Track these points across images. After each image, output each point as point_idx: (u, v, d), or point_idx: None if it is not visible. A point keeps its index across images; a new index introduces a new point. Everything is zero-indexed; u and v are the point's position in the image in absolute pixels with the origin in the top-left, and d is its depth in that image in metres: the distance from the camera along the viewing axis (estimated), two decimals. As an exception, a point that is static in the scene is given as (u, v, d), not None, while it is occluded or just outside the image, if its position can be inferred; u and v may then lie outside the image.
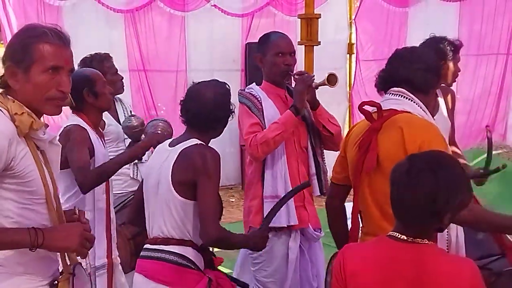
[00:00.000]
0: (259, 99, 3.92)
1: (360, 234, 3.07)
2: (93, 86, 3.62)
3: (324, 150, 4.10)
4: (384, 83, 3.08)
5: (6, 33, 7.30)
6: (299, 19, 7.16)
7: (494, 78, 10.18)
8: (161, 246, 3.12)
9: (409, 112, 2.94)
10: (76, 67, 4.45)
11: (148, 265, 3.14)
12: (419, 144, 2.75)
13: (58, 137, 2.76)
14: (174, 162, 3.10)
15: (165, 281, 3.08)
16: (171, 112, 8.30)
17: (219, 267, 3.33)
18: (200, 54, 8.86)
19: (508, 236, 3.09)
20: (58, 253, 2.43)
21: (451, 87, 4.52)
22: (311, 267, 4.02)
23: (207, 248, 3.22)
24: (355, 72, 9.83)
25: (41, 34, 2.31)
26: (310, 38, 6.88)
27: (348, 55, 9.84)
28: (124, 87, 4.98)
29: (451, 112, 4.47)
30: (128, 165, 4.69)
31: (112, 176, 4.51)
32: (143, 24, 8.44)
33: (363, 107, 2.99)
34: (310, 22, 6.88)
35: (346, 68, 9.87)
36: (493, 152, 8.71)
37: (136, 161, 4.63)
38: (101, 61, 4.70)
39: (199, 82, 3.32)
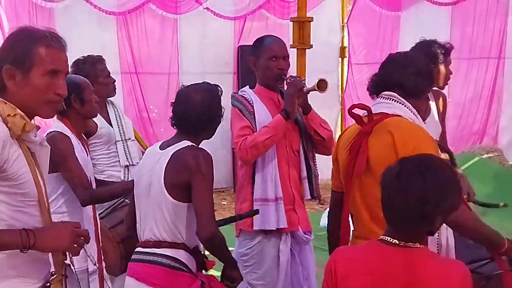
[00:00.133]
0: (251, 102, 3.93)
1: (351, 237, 3.08)
2: (81, 93, 3.63)
3: (316, 154, 4.10)
4: (377, 87, 3.09)
5: (-2, 35, 7.29)
6: (292, 22, 7.18)
7: (486, 82, 10.22)
8: (153, 249, 3.11)
9: (400, 116, 2.95)
10: (68, 69, 4.46)
11: (140, 268, 3.14)
12: (412, 148, 2.75)
13: None
14: (167, 164, 3.10)
15: (157, 284, 3.07)
16: (163, 115, 8.30)
17: (211, 270, 3.33)
18: (192, 56, 8.86)
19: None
20: (50, 255, 2.43)
21: (442, 90, 4.54)
22: (302, 270, 4.03)
23: (199, 251, 3.21)
24: (347, 75, 9.86)
25: (42, 38, 2.32)
26: (302, 41, 6.90)
27: (340, 58, 9.87)
28: (116, 90, 4.97)
29: (442, 115, 4.49)
30: (119, 168, 4.69)
31: (103, 179, 4.51)
32: (135, 26, 8.44)
33: (353, 111, 3.00)
34: (302, 25, 6.89)
35: (338, 72, 9.89)
36: (485, 155, 8.76)
37: (127, 163, 4.63)
38: (93, 63, 4.69)
39: (189, 85, 3.32)
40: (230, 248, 3.27)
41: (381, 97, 3.04)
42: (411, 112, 2.99)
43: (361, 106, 3.01)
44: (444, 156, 4.06)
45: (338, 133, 8.76)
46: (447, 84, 4.46)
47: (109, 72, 4.83)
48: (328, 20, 9.55)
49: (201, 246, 3.22)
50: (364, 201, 2.91)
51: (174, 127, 3.26)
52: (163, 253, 3.09)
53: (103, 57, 4.85)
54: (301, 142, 4.00)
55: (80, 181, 3.51)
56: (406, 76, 2.98)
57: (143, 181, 3.20)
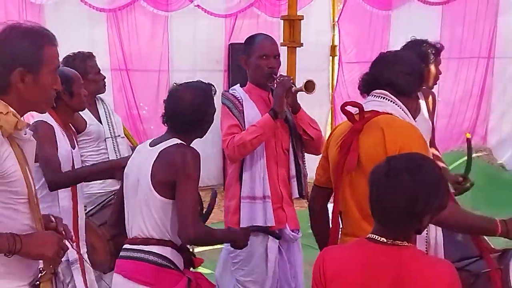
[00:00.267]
0: (240, 100, 3.94)
1: (339, 235, 3.08)
2: (71, 86, 3.64)
3: (306, 154, 4.11)
4: (368, 85, 3.09)
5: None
6: (282, 21, 7.17)
7: (475, 81, 10.25)
8: (140, 246, 3.11)
9: (391, 114, 2.96)
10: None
11: (128, 265, 3.13)
12: (400, 146, 2.77)
13: None
14: (154, 162, 3.09)
15: (144, 281, 3.07)
16: (153, 112, 8.28)
17: (200, 268, 3.33)
18: (183, 54, 8.84)
19: (485, 238, 3.11)
20: None
21: (432, 90, 4.55)
22: (289, 268, 4.04)
23: (187, 248, 3.21)
24: (338, 74, 9.86)
25: (46, 37, 2.37)
26: (293, 40, 6.89)
27: (331, 57, 9.87)
28: (106, 87, 4.95)
29: (431, 114, 4.50)
30: None
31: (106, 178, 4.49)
32: (125, 23, 8.41)
33: (345, 108, 3.01)
34: (292, 23, 6.89)
35: (329, 70, 9.90)
36: (474, 155, 8.81)
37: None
38: (83, 60, 4.68)
39: (182, 83, 3.32)
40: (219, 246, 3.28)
41: (373, 95, 3.04)
42: (402, 110, 3.00)
43: (353, 104, 3.02)
44: (433, 151, 4.09)
45: (328, 131, 8.77)
46: (436, 83, 4.48)
47: (99, 69, 4.81)
48: (319, 19, 9.55)
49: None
50: (354, 198, 2.92)
51: (165, 124, 3.25)
52: (150, 250, 3.09)
53: (93, 53, 4.83)
54: (291, 141, 4.00)
55: (50, 164, 3.46)
56: (397, 75, 2.99)
57: (132, 178, 3.20)
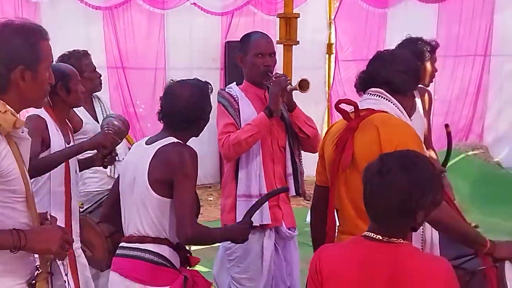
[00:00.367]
0: (236, 98, 3.94)
1: (336, 233, 3.09)
2: (68, 82, 3.64)
3: (302, 151, 4.11)
4: (364, 84, 3.10)
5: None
6: (278, 19, 7.18)
7: (472, 79, 10.27)
8: (136, 244, 3.10)
9: (386, 112, 2.96)
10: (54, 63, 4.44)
11: (124, 263, 3.13)
12: (396, 144, 2.77)
13: None
14: (151, 160, 3.09)
15: (140, 279, 3.06)
16: (149, 110, 8.28)
17: (196, 266, 3.33)
18: (179, 52, 8.85)
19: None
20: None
21: (428, 88, 4.55)
22: (285, 265, 4.04)
23: (183, 246, 3.21)
24: (334, 72, 9.88)
25: (40, 32, 2.36)
26: (289, 38, 6.91)
27: (327, 55, 9.88)
28: (102, 85, 4.95)
29: (427, 112, 4.51)
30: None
31: (89, 174, 4.48)
32: (121, 21, 8.41)
33: (340, 106, 3.01)
34: (289, 21, 6.91)
35: (325, 68, 9.91)
36: (470, 153, 8.82)
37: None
38: (79, 58, 4.67)
39: (178, 80, 3.31)
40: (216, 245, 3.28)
41: (368, 93, 3.05)
42: (398, 108, 3.00)
43: (348, 102, 3.02)
44: (430, 153, 4.09)
45: (325, 129, 8.78)
46: (432, 81, 4.48)
47: (95, 67, 4.81)
48: (315, 17, 9.57)
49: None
50: (349, 197, 2.92)
51: (161, 121, 3.25)
52: (146, 248, 3.08)
53: (88, 51, 4.83)
54: (287, 139, 4.01)
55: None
56: (393, 73, 2.99)
57: (128, 176, 3.19)
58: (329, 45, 9.84)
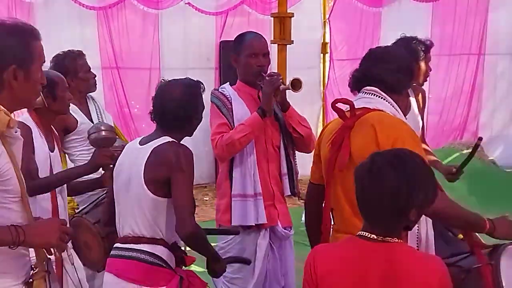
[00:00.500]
0: (229, 98, 3.94)
1: (331, 231, 3.09)
2: (54, 89, 3.61)
3: (297, 152, 4.11)
4: (358, 82, 3.10)
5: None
6: (272, 18, 7.18)
7: (466, 78, 10.28)
8: (131, 245, 3.10)
9: (382, 111, 2.96)
10: (48, 64, 4.43)
11: (119, 264, 3.13)
12: (393, 142, 2.77)
13: None
14: (147, 160, 3.08)
15: (136, 280, 3.06)
16: (144, 110, 8.26)
17: (192, 266, 3.32)
18: (174, 52, 8.84)
19: (477, 234, 3.13)
20: (32, 251, 2.42)
21: (422, 87, 4.56)
22: (280, 265, 4.03)
23: (178, 247, 3.20)
24: (329, 71, 9.89)
25: (32, 32, 2.36)
26: (283, 37, 6.91)
27: (322, 54, 9.88)
28: (97, 85, 4.94)
29: (421, 111, 4.51)
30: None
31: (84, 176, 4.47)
32: (116, 21, 8.40)
33: (336, 105, 3.01)
34: (283, 21, 6.91)
35: (320, 68, 9.92)
36: (465, 151, 8.86)
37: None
38: (74, 58, 4.67)
39: (170, 79, 3.31)
40: (213, 244, 3.28)
41: (363, 92, 3.05)
42: (393, 106, 3.01)
43: (344, 101, 3.02)
44: (425, 147, 4.10)
45: (320, 128, 8.78)
46: (426, 80, 4.49)
47: (90, 67, 4.80)
48: (310, 16, 9.57)
49: (181, 242, 3.22)
50: (346, 195, 2.92)
51: (154, 121, 3.25)
52: (142, 248, 3.08)
53: (83, 52, 4.82)
54: (282, 139, 4.01)
55: (27, 169, 3.43)
56: (386, 72, 2.99)
57: (123, 177, 3.19)
58: (324, 45, 9.84)
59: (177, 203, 3.02)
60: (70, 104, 4.49)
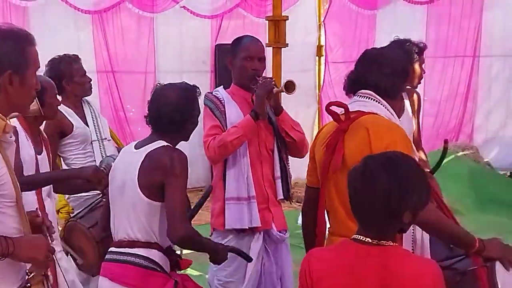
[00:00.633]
0: (222, 101, 3.95)
1: (327, 234, 3.09)
2: (42, 94, 3.61)
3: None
4: (352, 85, 3.10)
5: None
6: (267, 21, 7.18)
7: (461, 80, 10.30)
8: (126, 249, 3.10)
9: (376, 114, 2.97)
10: (43, 68, 4.43)
11: (114, 268, 3.12)
12: (386, 145, 2.78)
13: None
14: (141, 164, 3.08)
15: (130, 284, 3.05)
16: (139, 114, 8.26)
17: (188, 270, 3.32)
18: (169, 55, 8.84)
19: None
20: None
21: (416, 89, 4.57)
22: (276, 269, 4.02)
23: (173, 251, 3.20)
24: (324, 74, 9.89)
25: (26, 38, 2.37)
26: (278, 40, 6.91)
27: (317, 57, 9.89)
28: (92, 89, 4.94)
29: (417, 114, 4.52)
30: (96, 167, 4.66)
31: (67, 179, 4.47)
32: (111, 25, 8.39)
33: (330, 108, 3.02)
34: (277, 24, 6.91)
35: (315, 70, 9.92)
36: (461, 153, 8.86)
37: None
38: (69, 62, 4.67)
39: (165, 84, 3.32)
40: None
41: (358, 95, 3.06)
42: (387, 110, 3.01)
43: (339, 104, 3.03)
44: (420, 154, 4.11)
45: (316, 131, 8.79)
46: (420, 83, 4.50)
47: (85, 71, 4.80)
48: (305, 19, 9.58)
49: (176, 246, 3.22)
50: (340, 198, 2.92)
51: (149, 125, 3.25)
52: (136, 253, 3.08)
53: (78, 56, 4.82)
54: (276, 142, 4.00)
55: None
56: (381, 76, 3.00)
57: (117, 181, 3.19)
58: (319, 47, 9.84)
59: (169, 210, 3.02)
60: (66, 107, 4.53)
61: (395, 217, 2.25)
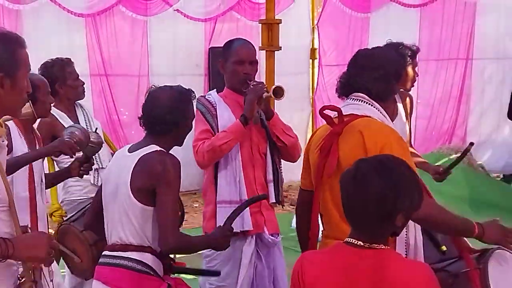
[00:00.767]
0: (214, 105, 3.94)
1: (321, 237, 3.10)
2: (35, 92, 3.59)
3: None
4: (345, 88, 3.11)
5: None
6: (260, 24, 7.20)
7: (454, 83, 10.33)
8: (119, 252, 3.09)
9: (369, 117, 2.97)
10: (36, 71, 4.43)
11: (107, 272, 3.12)
12: (381, 148, 2.78)
13: None
14: (133, 169, 3.08)
15: (124, 288, 3.06)
16: (133, 117, 8.25)
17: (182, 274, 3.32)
18: (163, 58, 8.83)
19: (465, 239, 3.14)
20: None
21: (409, 92, 4.58)
22: (269, 273, 4.00)
23: (167, 254, 3.20)
24: (318, 77, 9.89)
25: (17, 40, 2.36)
26: (271, 43, 6.93)
27: (311, 60, 9.90)
28: (85, 92, 4.93)
29: (409, 116, 4.53)
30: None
31: (72, 182, 4.45)
32: (104, 28, 8.38)
33: (324, 112, 3.02)
34: (271, 27, 6.93)
35: (309, 73, 9.93)
36: (453, 155, 8.89)
37: (97, 167, 4.58)
38: (62, 66, 4.66)
39: (160, 86, 3.31)
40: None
41: (351, 98, 3.06)
42: (380, 112, 3.02)
43: (332, 108, 3.03)
44: (411, 150, 4.11)
45: (309, 134, 8.79)
46: (413, 86, 4.50)
47: (78, 75, 4.80)
48: (298, 22, 9.58)
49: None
50: (334, 201, 2.92)
51: (143, 127, 3.25)
52: (129, 256, 3.07)
53: (71, 59, 4.81)
54: (268, 145, 4.00)
55: None
56: (372, 81, 3.00)
57: (110, 184, 3.18)
58: (313, 50, 9.85)
59: (160, 217, 3.01)
60: (59, 111, 4.52)
61: (388, 220, 2.25)
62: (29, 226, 2.55)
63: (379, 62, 3.06)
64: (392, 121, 3.12)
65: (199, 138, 3.86)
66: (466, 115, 10.44)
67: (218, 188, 3.90)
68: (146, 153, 3.10)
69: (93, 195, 4.34)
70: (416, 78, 4.48)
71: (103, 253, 3.20)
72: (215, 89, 4.13)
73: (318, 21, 9.80)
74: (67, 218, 4.08)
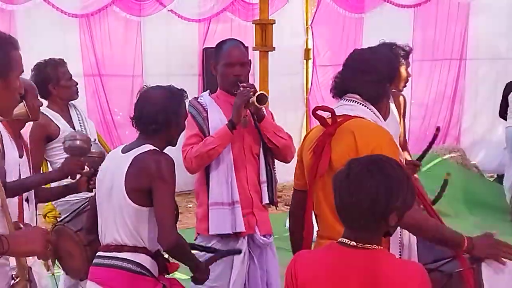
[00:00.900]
0: (205, 107, 3.94)
1: (315, 237, 3.10)
2: (22, 97, 3.58)
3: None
4: (338, 89, 3.11)
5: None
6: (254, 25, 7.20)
7: (448, 83, 10.36)
8: (114, 253, 3.09)
9: (362, 118, 2.98)
10: (30, 72, 4.42)
11: (101, 273, 3.12)
12: (372, 149, 2.78)
13: None
14: (128, 169, 3.07)
15: (118, 289, 3.05)
16: (127, 118, 8.22)
17: (176, 273, 3.32)
18: (157, 59, 8.83)
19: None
20: (12, 260, 2.41)
21: (402, 92, 4.59)
22: (261, 274, 3.99)
23: (161, 255, 3.20)
24: (312, 77, 9.90)
25: (9, 42, 2.37)
26: (265, 44, 6.92)
27: (305, 60, 9.91)
28: (79, 93, 4.92)
29: (402, 117, 4.54)
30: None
31: (66, 183, 4.44)
32: (98, 28, 8.38)
33: (317, 112, 3.02)
34: (264, 27, 6.92)
35: (303, 74, 9.94)
36: (447, 156, 8.89)
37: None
38: (55, 66, 4.65)
39: (152, 86, 3.31)
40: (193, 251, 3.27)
41: (344, 99, 3.07)
42: (374, 113, 3.02)
43: (325, 108, 3.03)
44: (405, 155, 4.12)
45: (304, 134, 8.80)
46: (405, 86, 4.51)
47: (71, 75, 4.78)
48: (292, 23, 9.60)
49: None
50: (327, 201, 2.93)
51: (135, 127, 3.24)
52: (124, 257, 3.07)
53: (65, 60, 4.80)
54: (261, 146, 4.00)
55: None
56: (365, 84, 3.00)
57: (105, 185, 3.18)
58: (307, 51, 9.86)
59: (159, 215, 3.01)
60: (53, 111, 4.51)
61: (381, 220, 2.25)
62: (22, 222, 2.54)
63: (372, 65, 3.06)
64: (385, 120, 3.12)
65: (187, 143, 3.86)
66: (460, 115, 10.47)
67: (210, 189, 3.89)
68: (140, 153, 3.10)
69: (87, 195, 4.34)
70: (409, 78, 4.48)
71: (97, 254, 3.19)
72: (208, 91, 4.12)
73: (312, 21, 9.81)
74: (61, 219, 4.07)
